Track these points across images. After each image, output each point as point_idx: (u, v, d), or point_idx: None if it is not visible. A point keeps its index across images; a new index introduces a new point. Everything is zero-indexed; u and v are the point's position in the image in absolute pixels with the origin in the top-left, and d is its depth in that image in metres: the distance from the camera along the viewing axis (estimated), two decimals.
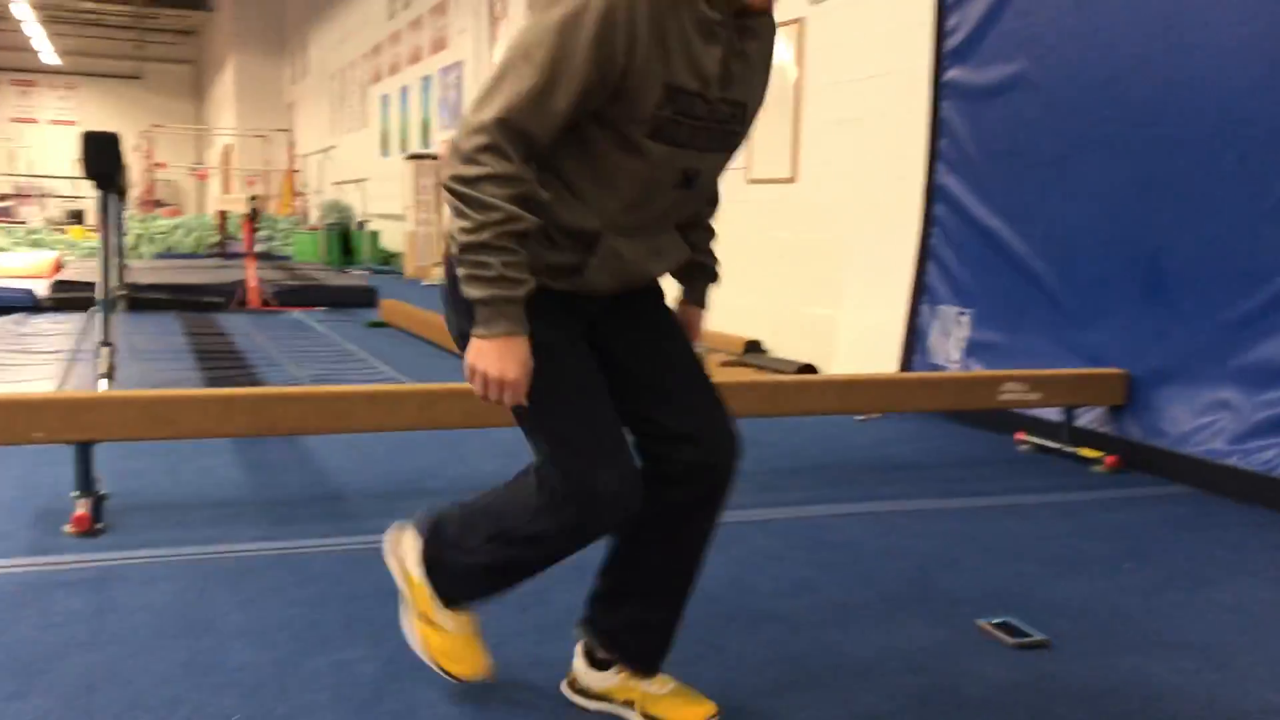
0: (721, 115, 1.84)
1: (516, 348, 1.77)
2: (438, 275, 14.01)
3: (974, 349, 5.11)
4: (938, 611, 2.72)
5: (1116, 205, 4.45)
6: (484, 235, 1.71)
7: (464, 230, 1.72)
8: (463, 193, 1.72)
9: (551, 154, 1.78)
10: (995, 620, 2.62)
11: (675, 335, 2.08)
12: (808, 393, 4.17)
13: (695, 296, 2.19)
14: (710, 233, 2.15)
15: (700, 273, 2.17)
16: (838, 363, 6.03)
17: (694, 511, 2.01)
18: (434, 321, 7.72)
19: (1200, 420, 4.10)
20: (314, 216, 20.96)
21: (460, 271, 1.75)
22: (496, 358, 1.77)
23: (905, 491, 3.90)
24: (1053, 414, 4.60)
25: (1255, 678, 2.37)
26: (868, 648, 2.47)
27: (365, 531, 3.23)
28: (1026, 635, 2.54)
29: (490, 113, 1.71)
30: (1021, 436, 4.70)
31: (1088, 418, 4.53)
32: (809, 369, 6.19)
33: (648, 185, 1.83)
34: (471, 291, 1.75)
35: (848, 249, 6.09)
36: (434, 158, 14.79)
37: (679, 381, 2.02)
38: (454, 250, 1.77)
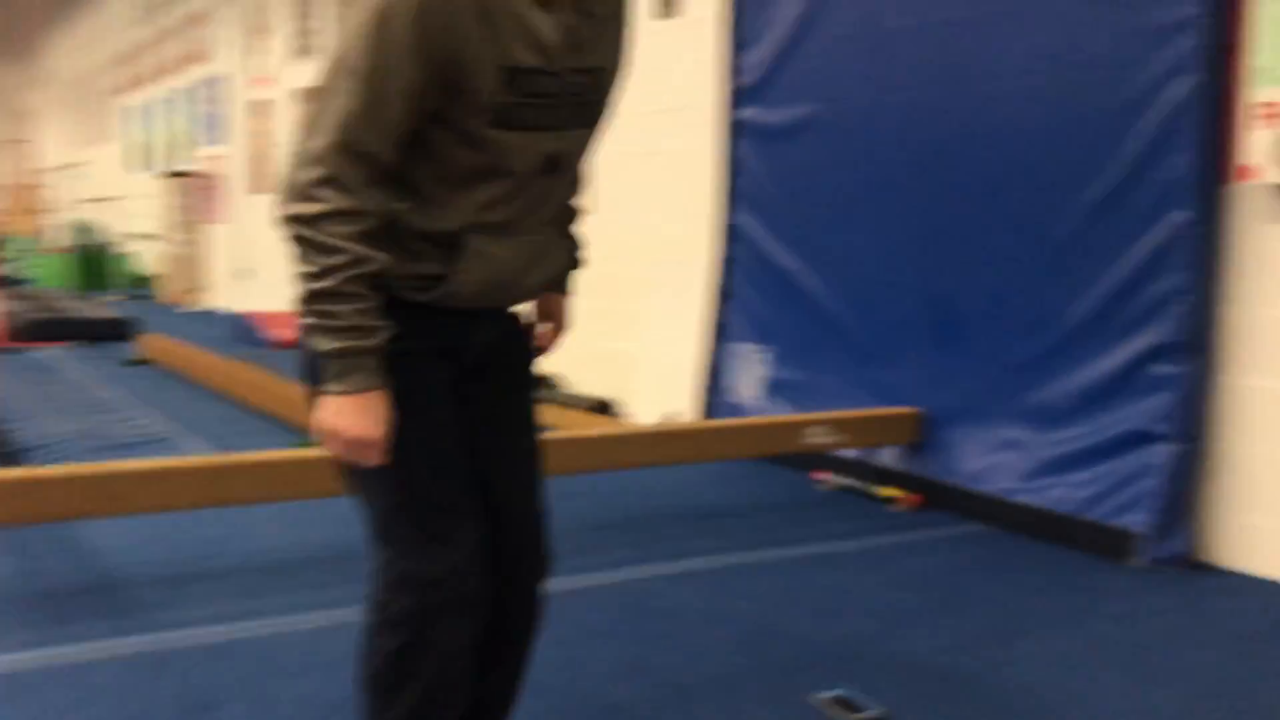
0: (574, 87, 1.68)
1: (374, 403, 1.60)
2: (195, 300, 13.30)
3: (773, 388, 5.15)
4: (773, 686, 2.66)
5: (908, 248, 4.57)
6: (329, 281, 1.54)
7: (307, 276, 1.55)
8: (302, 234, 1.54)
9: (396, 162, 1.60)
10: (831, 694, 2.59)
11: (532, 431, 1.93)
12: (619, 447, 4.11)
13: (559, 283, 2.00)
14: (574, 213, 1.95)
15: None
16: (637, 399, 5.98)
17: (502, 637, 1.86)
18: (201, 360, 7.23)
19: (992, 458, 4.25)
20: (59, 237, 19.50)
21: (306, 321, 1.58)
22: (356, 416, 1.58)
23: (719, 545, 3.86)
24: (853, 452, 4.68)
25: None
26: None
27: (152, 627, 2.93)
28: (863, 709, 2.52)
29: (322, 139, 1.53)
30: (820, 476, 4.76)
31: (887, 456, 4.63)
32: (604, 406, 6.12)
33: (507, 178, 1.66)
34: (320, 344, 1.57)
35: (646, 284, 6.06)
36: (193, 175, 14.00)
37: (517, 484, 1.88)
38: (297, 299, 1.58)
